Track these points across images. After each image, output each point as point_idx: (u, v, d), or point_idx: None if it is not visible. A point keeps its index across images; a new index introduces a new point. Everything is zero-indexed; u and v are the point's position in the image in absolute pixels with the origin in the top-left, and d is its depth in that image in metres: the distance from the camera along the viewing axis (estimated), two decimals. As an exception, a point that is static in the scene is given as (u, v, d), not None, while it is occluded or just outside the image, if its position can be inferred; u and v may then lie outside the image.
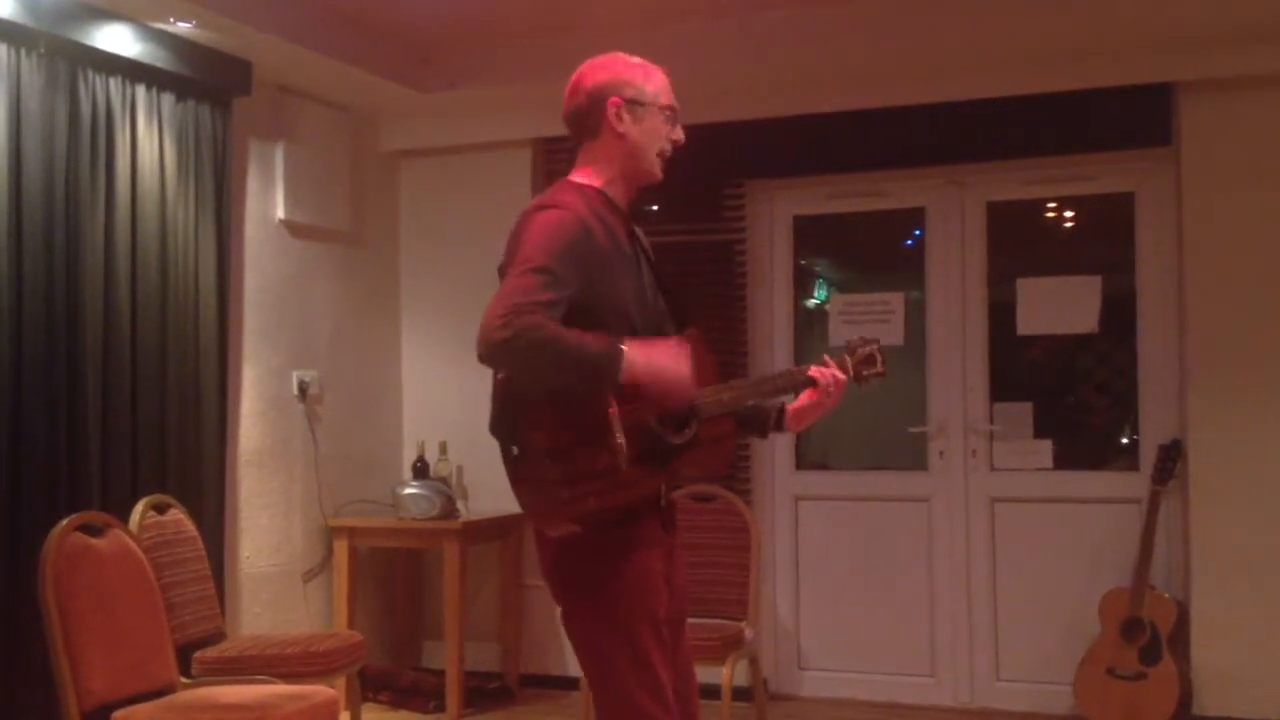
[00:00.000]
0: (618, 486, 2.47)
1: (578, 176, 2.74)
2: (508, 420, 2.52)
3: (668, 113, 2.73)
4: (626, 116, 2.68)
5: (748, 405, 2.76)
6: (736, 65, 5.37)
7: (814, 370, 2.81)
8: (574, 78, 2.74)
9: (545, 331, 2.36)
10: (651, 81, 2.72)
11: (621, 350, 2.45)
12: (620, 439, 2.44)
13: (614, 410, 2.45)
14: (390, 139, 6.25)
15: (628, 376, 2.44)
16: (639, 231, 2.79)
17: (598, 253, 2.56)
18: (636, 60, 2.75)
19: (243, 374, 5.29)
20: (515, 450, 2.49)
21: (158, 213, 4.72)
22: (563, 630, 2.68)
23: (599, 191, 2.69)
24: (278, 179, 5.51)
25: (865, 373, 2.88)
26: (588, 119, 2.70)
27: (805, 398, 2.83)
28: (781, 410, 2.88)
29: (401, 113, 6.09)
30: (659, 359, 2.50)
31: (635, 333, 2.58)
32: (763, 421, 2.88)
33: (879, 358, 2.89)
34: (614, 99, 2.67)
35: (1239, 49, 4.97)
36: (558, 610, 2.66)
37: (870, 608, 5.72)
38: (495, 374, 2.56)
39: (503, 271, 2.57)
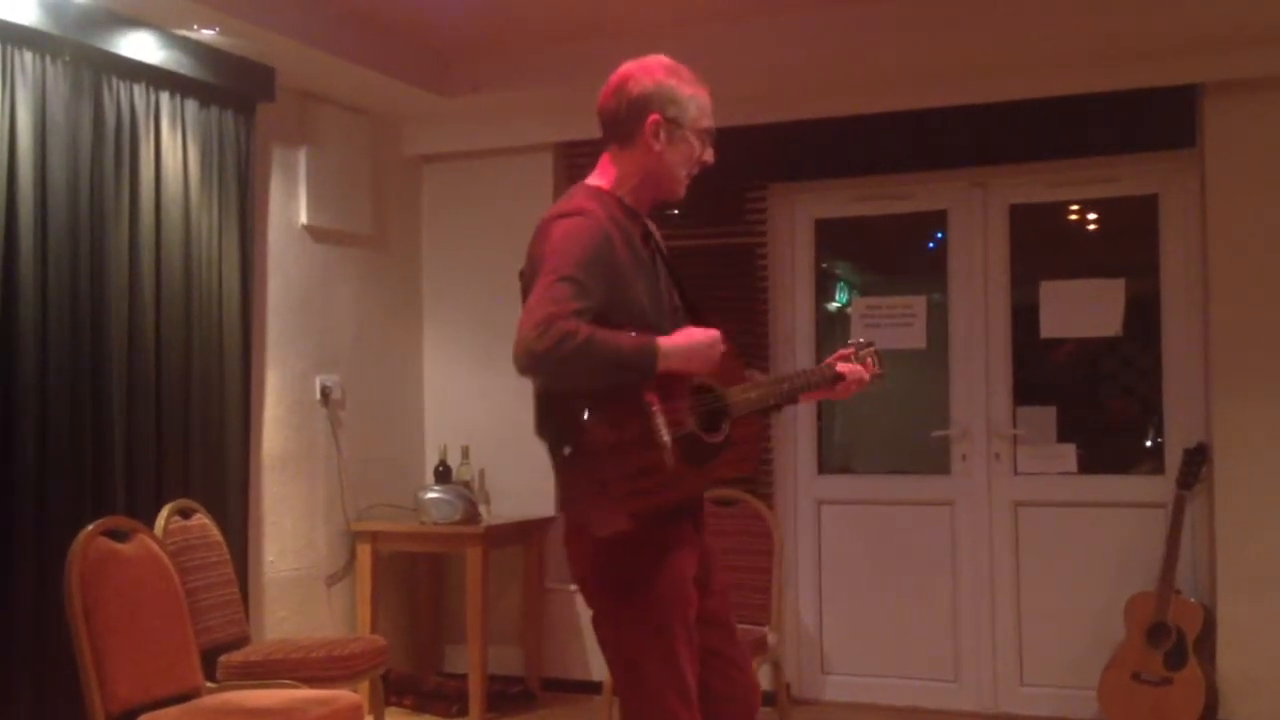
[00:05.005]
0: (668, 484, 2.50)
1: (596, 180, 2.74)
2: (557, 420, 2.52)
3: (704, 135, 2.72)
4: (664, 135, 2.66)
5: (771, 405, 2.78)
6: (758, 69, 5.36)
7: (842, 366, 2.89)
8: (617, 77, 2.71)
9: (581, 336, 2.37)
10: (695, 100, 2.69)
11: (656, 342, 2.48)
12: (665, 436, 2.46)
13: (657, 408, 2.47)
14: (412, 144, 6.26)
15: (664, 365, 2.48)
16: (654, 232, 2.79)
17: (618, 260, 2.57)
18: (684, 73, 2.72)
19: (266, 379, 5.31)
20: (568, 450, 2.49)
21: (181, 218, 4.74)
22: (585, 633, 2.70)
23: (617, 198, 2.69)
24: (301, 184, 5.53)
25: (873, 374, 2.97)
26: (624, 125, 2.68)
27: (840, 390, 2.91)
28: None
29: (423, 117, 6.11)
30: (684, 337, 2.56)
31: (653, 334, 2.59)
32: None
33: (880, 359, 2.97)
34: (654, 116, 2.65)
35: (1264, 50, 4.94)
36: (589, 612, 2.67)
37: (893, 612, 5.70)
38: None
39: (524, 278, 2.57)
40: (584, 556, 2.64)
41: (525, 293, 2.56)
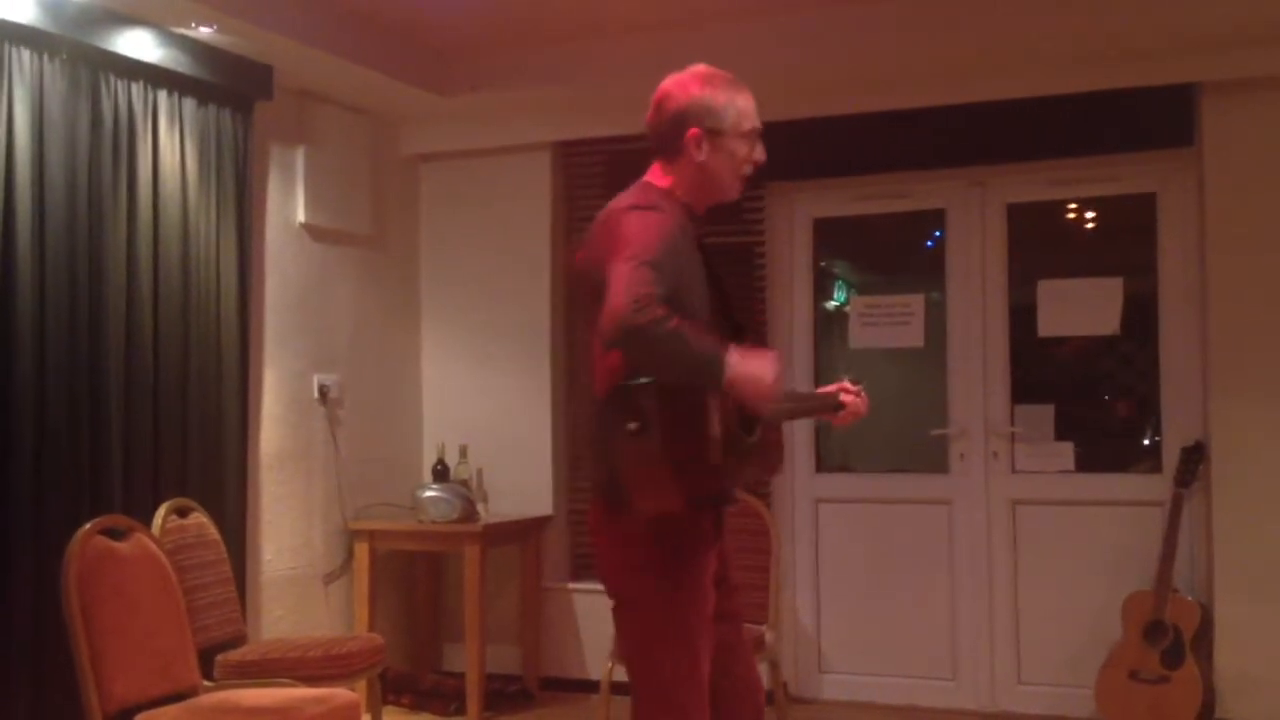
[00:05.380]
0: (712, 474, 2.58)
1: (657, 180, 2.82)
2: (624, 398, 2.57)
3: (748, 136, 2.81)
4: (706, 146, 2.76)
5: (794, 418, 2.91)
6: (757, 68, 5.30)
7: (845, 396, 2.99)
8: (658, 94, 2.82)
9: (673, 323, 2.45)
10: (734, 106, 2.79)
11: (726, 354, 2.52)
12: (716, 429, 2.54)
13: (711, 402, 2.54)
14: (410, 143, 6.26)
15: (727, 378, 2.52)
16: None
17: (682, 259, 2.66)
18: (721, 80, 2.81)
19: (264, 377, 5.31)
20: (634, 425, 2.54)
21: (179, 217, 4.74)
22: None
23: (678, 198, 2.78)
24: (299, 183, 5.53)
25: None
26: (667, 139, 2.80)
27: (840, 418, 3.03)
28: None
29: (422, 116, 6.11)
30: (752, 364, 2.56)
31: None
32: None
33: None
34: (694, 130, 2.75)
35: (1262, 49, 4.94)
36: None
37: (891, 611, 5.70)
38: (601, 353, 2.64)
39: (584, 265, 2.68)
40: (615, 541, 2.70)
41: (586, 279, 2.67)
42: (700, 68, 2.83)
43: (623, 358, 2.55)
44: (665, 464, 2.52)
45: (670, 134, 2.78)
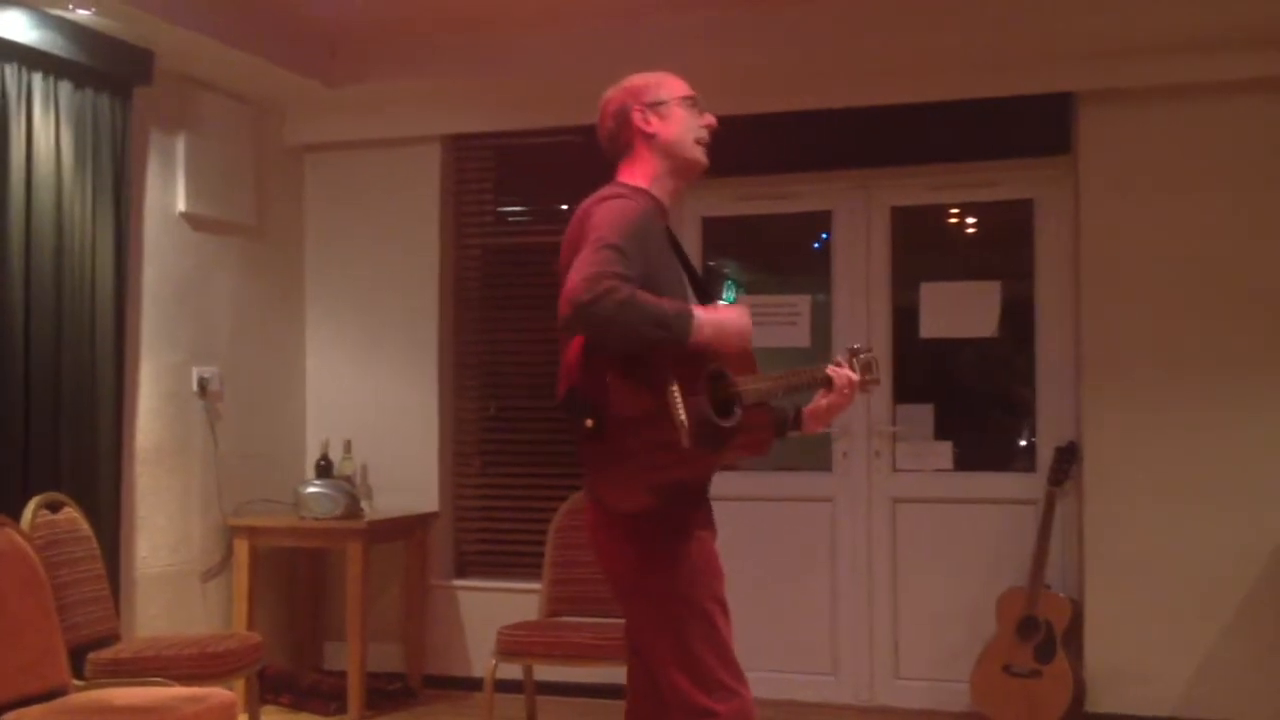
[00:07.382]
0: (683, 462, 2.56)
1: (625, 179, 2.85)
2: (582, 395, 2.55)
3: (689, 102, 2.89)
4: (652, 118, 2.85)
5: (779, 399, 2.88)
6: (644, 67, 5.35)
7: (830, 369, 2.96)
8: (601, 104, 2.91)
9: (624, 292, 2.46)
10: (665, 83, 2.90)
11: (692, 310, 2.57)
12: (683, 416, 2.50)
13: (675, 388, 2.51)
14: (296, 132, 6.16)
15: (697, 335, 2.56)
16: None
17: (652, 247, 2.68)
18: (649, 74, 2.93)
19: (140, 369, 5.18)
20: (590, 422, 2.52)
21: (54, 204, 4.61)
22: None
23: (649, 193, 2.81)
24: (179, 171, 5.41)
25: (866, 378, 3.03)
26: (620, 136, 2.87)
27: (822, 398, 2.98)
28: (798, 412, 3.02)
29: (308, 106, 6.01)
30: (721, 313, 2.65)
31: None
32: (781, 422, 2.99)
33: (875, 365, 3.07)
34: (636, 108, 2.85)
35: (1136, 61, 5.10)
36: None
37: (773, 606, 5.76)
38: (561, 350, 2.62)
39: (563, 264, 2.66)
40: (615, 535, 2.69)
41: (563, 278, 2.65)
42: (628, 76, 2.93)
43: (582, 346, 2.54)
44: (623, 460, 2.51)
45: (619, 127, 2.86)
